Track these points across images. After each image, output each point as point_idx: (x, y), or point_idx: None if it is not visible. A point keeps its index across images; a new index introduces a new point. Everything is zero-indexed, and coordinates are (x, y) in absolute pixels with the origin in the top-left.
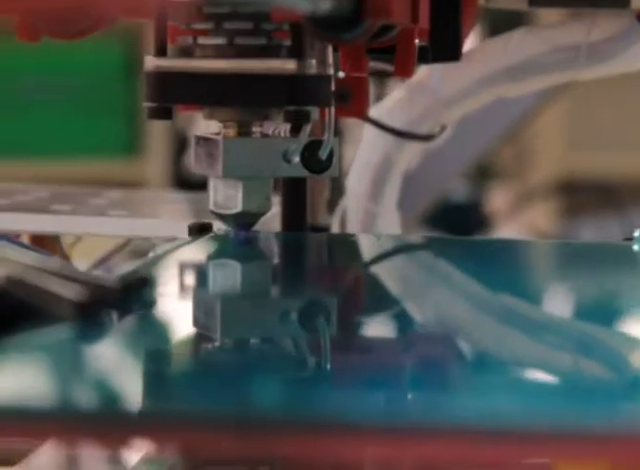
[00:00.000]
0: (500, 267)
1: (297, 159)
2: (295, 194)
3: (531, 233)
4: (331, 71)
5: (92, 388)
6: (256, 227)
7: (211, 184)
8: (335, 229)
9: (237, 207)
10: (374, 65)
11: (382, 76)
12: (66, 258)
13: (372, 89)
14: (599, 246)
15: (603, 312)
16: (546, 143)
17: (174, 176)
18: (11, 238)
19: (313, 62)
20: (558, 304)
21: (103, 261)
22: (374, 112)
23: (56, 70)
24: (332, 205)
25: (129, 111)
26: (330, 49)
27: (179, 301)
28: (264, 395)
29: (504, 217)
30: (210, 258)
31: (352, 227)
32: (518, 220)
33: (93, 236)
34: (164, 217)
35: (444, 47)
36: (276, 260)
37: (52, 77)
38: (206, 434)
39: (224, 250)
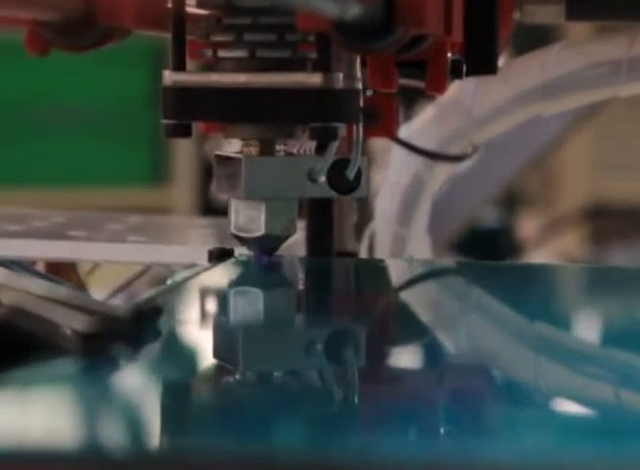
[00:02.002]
0: (531, 293)
1: (323, 178)
2: (320, 217)
3: (561, 259)
4: (359, 86)
5: (92, 428)
6: (280, 252)
7: (233, 206)
8: (363, 254)
9: (260, 229)
10: (404, 81)
11: (412, 93)
12: (82, 285)
13: (400, 109)
14: (629, 272)
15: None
16: (574, 169)
17: (201, 203)
18: (23, 265)
19: (340, 75)
20: (588, 332)
21: (121, 289)
22: (403, 131)
23: (81, 97)
24: (360, 229)
25: (156, 137)
26: (358, 62)
27: (194, 331)
28: (286, 433)
29: (534, 244)
30: (230, 284)
31: (381, 252)
32: (548, 246)
33: (110, 263)
34: (185, 243)
35: (480, 60)
36: (299, 287)
37: (78, 104)
38: None
39: (244, 276)
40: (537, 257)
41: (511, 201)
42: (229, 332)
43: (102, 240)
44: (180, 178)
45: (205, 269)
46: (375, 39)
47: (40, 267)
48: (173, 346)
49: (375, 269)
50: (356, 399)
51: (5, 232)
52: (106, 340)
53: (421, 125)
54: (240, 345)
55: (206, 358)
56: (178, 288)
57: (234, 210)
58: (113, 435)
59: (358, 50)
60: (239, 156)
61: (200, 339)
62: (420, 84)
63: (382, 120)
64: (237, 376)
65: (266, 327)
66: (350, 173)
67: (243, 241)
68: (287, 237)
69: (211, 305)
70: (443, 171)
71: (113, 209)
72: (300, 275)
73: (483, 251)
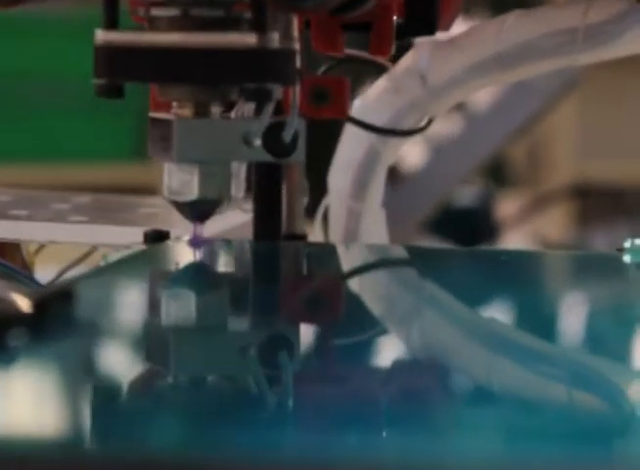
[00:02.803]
0: (487, 281)
1: (258, 141)
2: (268, 198)
3: (540, 241)
4: (296, 47)
5: None
6: (227, 236)
7: (166, 169)
8: (317, 231)
9: (193, 194)
10: (351, 51)
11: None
12: (26, 266)
13: None
14: (588, 257)
15: (584, 331)
16: (559, 148)
17: None
18: None
19: (276, 35)
20: (536, 321)
21: (67, 270)
22: (357, 103)
23: (66, 73)
24: (312, 211)
25: (141, 114)
26: (295, 22)
27: (105, 322)
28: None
29: (513, 224)
30: (154, 270)
31: (335, 228)
32: (527, 227)
33: (51, 243)
34: (132, 224)
35: (418, 20)
36: (229, 273)
37: (62, 79)
38: None
39: (173, 260)
40: (516, 237)
41: (492, 179)
42: (143, 321)
43: (44, 219)
44: None
45: (135, 253)
46: None
47: None
48: (77, 335)
49: (322, 255)
50: (289, 400)
51: None
52: (2, 330)
53: (375, 97)
54: (147, 338)
55: (111, 353)
56: (101, 272)
57: (167, 173)
58: None
59: (288, 9)
60: (171, 118)
61: (107, 331)
62: (367, 55)
63: (333, 100)
64: (138, 372)
65: (187, 318)
66: (287, 136)
67: (177, 206)
68: (221, 201)
69: (129, 294)
70: (398, 144)
71: (97, 185)
72: (233, 260)
73: (460, 230)
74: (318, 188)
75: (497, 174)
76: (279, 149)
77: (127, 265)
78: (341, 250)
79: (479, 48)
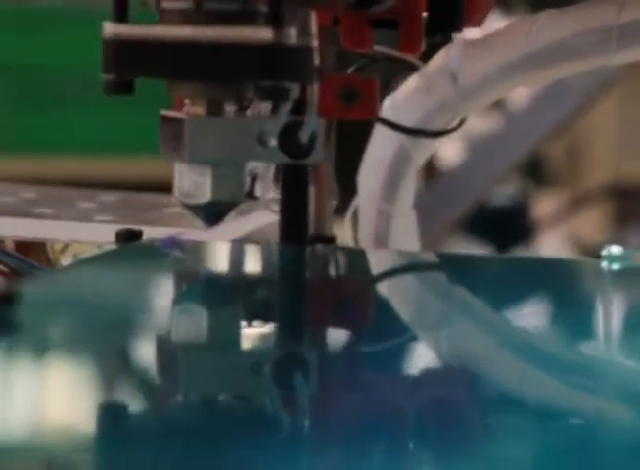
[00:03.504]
0: (517, 289)
1: (273, 141)
2: (295, 198)
3: (577, 241)
4: (314, 43)
5: None
6: (253, 238)
7: (177, 170)
8: (346, 233)
9: (205, 196)
10: (380, 49)
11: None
12: (51, 264)
13: None
14: (568, 264)
15: (622, 341)
16: (597, 147)
17: None
18: None
19: (293, 31)
20: (574, 334)
21: None
22: (387, 102)
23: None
24: (341, 210)
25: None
26: (313, 17)
27: (50, 322)
28: None
29: (549, 224)
30: (114, 273)
31: (365, 229)
32: (563, 227)
33: (76, 243)
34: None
35: (444, 16)
36: (194, 277)
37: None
38: None
39: (137, 263)
40: (552, 238)
41: (528, 178)
42: (92, 325)
43: (69, 218)
44: None
45: (101, 253)
46: None
47: (10, 246)
48: (16, 342)
49: (347, 259)
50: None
51: None
52: None
53: (405, 97)
54: (90, 345)
55: (52, 361)
56: (61, 273)
57: (178, 174)
58: None
59: (305, 3)
60: (182, 116)
61: (51, 335)
62: (397, 53)
63: (362, 101)
64: (78, 381)
65: (134, 326)
66: (304, 136)
67: (188, 208)
68: (235, 204)
69: (84, 294)
70: (429, 144)
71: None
72: (202, 263)
73: (495, 230)
74: (348, 188)
75: (534, 173)
76: (296, 150)
77: (87, 265)
78: (370, 255)
79: (511, 47)
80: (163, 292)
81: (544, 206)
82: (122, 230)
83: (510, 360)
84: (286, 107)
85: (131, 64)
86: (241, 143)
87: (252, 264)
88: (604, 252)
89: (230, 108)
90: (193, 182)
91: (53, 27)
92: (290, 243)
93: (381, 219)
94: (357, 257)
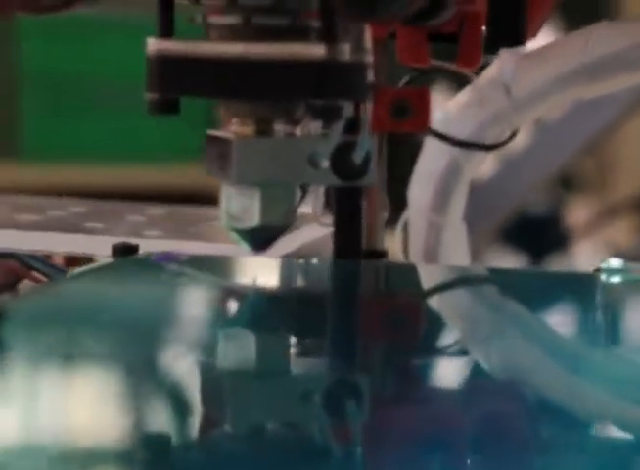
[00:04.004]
0: (569, 304)
1: (325, 163)
2: (348, 213)
3: (612, 250)
4: (368, 59)
5: None
6: (305, 252)
7: (224, 192)
8: (397, 245)
9: (254, 220)
10: (435, 63)
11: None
12: None
13: None
14: (565, 277)
15: None
16: (630, 156)
17: None
18: (39, 257)
19: (347, 46)
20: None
21: None
22: (439, 115)
23: (136, 73)
24: (391, 224)
25: (211, 113)
26: (367, 32)
27: (37, 339)
28: None
29: (584, 233)
30: (106, 289)
31: (415, 242)
32: (598, 236)
33: None
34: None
35: (504, 30)
36: (192, 297)
37: (132, 80)
38: None
39: (129, 279)
40: (587, 246)
41: (561, 187)
42: (77, 342)
43: (119, 234)
44: None
45: (95, 267)
46: (379, 5)
47: (58, 260)
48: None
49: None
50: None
51: (23, 223)
52: None
53: (457, 109)
54: (78, 363)
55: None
56: (53, 288)
57: (225, 196)
58: None
59: (361, 18)
60: (230, 136)
61: (38, 353)
62: (452, 66)
63: (414, 114)
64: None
65: (133, 340)
66: (358, 157)
67: (236, 233)
68: (285, 228)
69: (73, 313)
70: (481, 157)
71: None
72: (193, 279)
73: (530, 240)
74: (398, 200)
75: (567, 181)
76: (348, 171)
77: (80, 279)
78: (421, 270)
79: (564, 60)
80: (166, 306)
81: (578, 214)
82: (119, 244)
83: (568, 376)
84: (339, 126)
85: (176, 82)
86: (291, 164)
87: (294, 280)
88: (602, 265)
89: (279, 127)
90: (240, 205)
91: (91, 36)
92: (343, 258)
93: (431, 232)
94: (410, 272)
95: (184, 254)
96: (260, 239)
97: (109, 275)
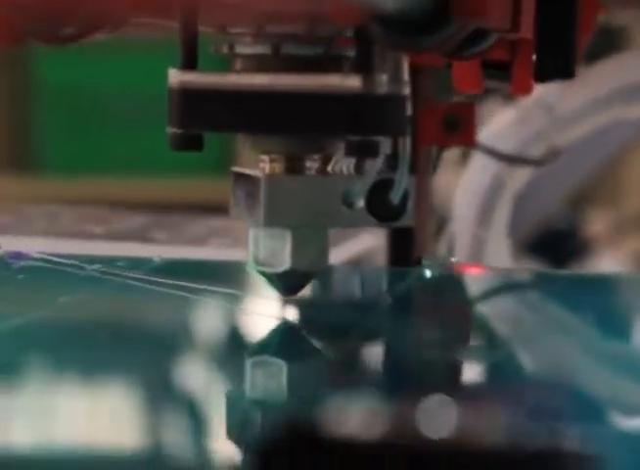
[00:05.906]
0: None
1: (360, 203)
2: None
3: (634, 261)
4: (406, 91)
5: None
6: (359, 260)
7: (251, 234)
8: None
9: (284, 264)
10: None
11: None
12: None
13: None
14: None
15: None
16: None
17: None
18: None
19: (384, 78)
20: None
21: None
22: (483, 133)
23: (150, 86)
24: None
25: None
26: (406, 62)
27: None
28: None
29: (604, 244)
30: None
31: (459, 255)
32: (620, 246)
33: None
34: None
35: (554, 62)
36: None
37: (145, 92)
38: None
39: None
40: (608, 258)
41: (579, 199)
42: None
43: (183, 242)
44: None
45: None
46: (423, 34)
47: None
48: None
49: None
50: None
51: (88, 234)
52: None
53: (500, 127)
54: None
55: None
56: None
57: (253, 239)
58: None
59: (402, 47)
60: (258, 174)
61: None
62: (501, 86)
63: (462, 129)
64: None
65: None
66: (395, 197)
67: (265, 277)
68: (316, 273)
69: None
70: (524, 173)
71: (180, 199)
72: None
73: (550, 251)
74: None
75: (582, 193)
76: (385, 211)
77: None
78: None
79: (604, 81)
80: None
81: (597, 225)
82: None
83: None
84: (376, 164)
85: (200, 116)
86: (323, 205)
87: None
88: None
89: (311, 165)
90: (270, 248)
91: (110, 51)
92: (396, 265)
93: (475, 245)
94: (461, 279)
95: (34, 252)
96: (290, 283)
97: None
